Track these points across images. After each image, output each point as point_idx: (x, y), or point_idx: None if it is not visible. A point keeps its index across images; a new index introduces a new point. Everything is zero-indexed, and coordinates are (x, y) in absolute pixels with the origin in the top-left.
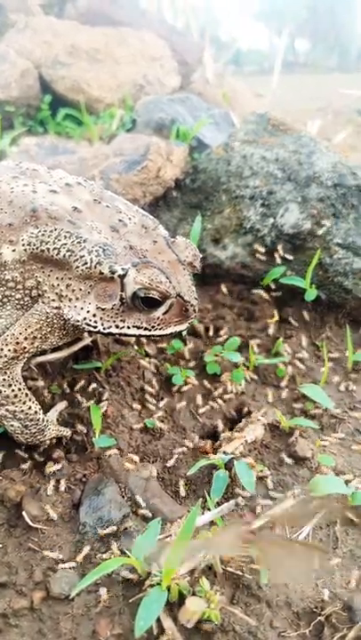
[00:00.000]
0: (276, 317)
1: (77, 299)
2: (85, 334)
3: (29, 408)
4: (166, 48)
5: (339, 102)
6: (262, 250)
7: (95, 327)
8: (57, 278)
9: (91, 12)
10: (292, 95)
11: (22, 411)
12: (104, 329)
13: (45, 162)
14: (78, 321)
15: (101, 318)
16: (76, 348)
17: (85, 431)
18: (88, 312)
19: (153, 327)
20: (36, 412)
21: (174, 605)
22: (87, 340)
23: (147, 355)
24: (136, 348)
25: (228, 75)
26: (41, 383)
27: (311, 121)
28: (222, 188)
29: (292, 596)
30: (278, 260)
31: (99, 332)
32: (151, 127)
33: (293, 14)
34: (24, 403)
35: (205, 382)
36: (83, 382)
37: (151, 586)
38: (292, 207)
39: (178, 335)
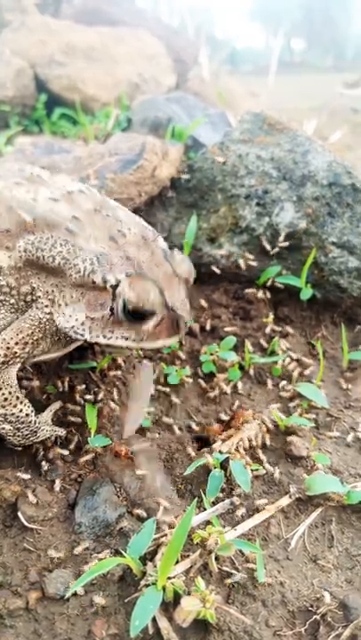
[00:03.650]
0: (272, 316)
1: (67, 305)
2: None
3: (20, 411)
4: (162, 47)
5: (335, 101)
6: (252, 257)
7: (82, 335)
8: (52, 285)
9: (86, 11)
10: (288, 94)
11: (13, 414)
12: (91, 338)
13: (40, 161)
14: (67, 328)
15: (90, 327)
16: (71, 347)
17: (81, 431)
18: (77, 320)
19: (142, 339)
20: (27, 415)
21: (170, 605)
22: None
23: (143, 355)
24: None
25: (224, 74)
26: (36, 383)
27: (307, 120)
28: (218, 188)
29: (288, 594)
30: (273, 259)
31: (86, 341)
32: (147, 126)
33: (288, 13)
34: (15, 406)
35: (201, 381)
36: (78, 382)
37: (146, 585)
38: (288, 206)
39: None
